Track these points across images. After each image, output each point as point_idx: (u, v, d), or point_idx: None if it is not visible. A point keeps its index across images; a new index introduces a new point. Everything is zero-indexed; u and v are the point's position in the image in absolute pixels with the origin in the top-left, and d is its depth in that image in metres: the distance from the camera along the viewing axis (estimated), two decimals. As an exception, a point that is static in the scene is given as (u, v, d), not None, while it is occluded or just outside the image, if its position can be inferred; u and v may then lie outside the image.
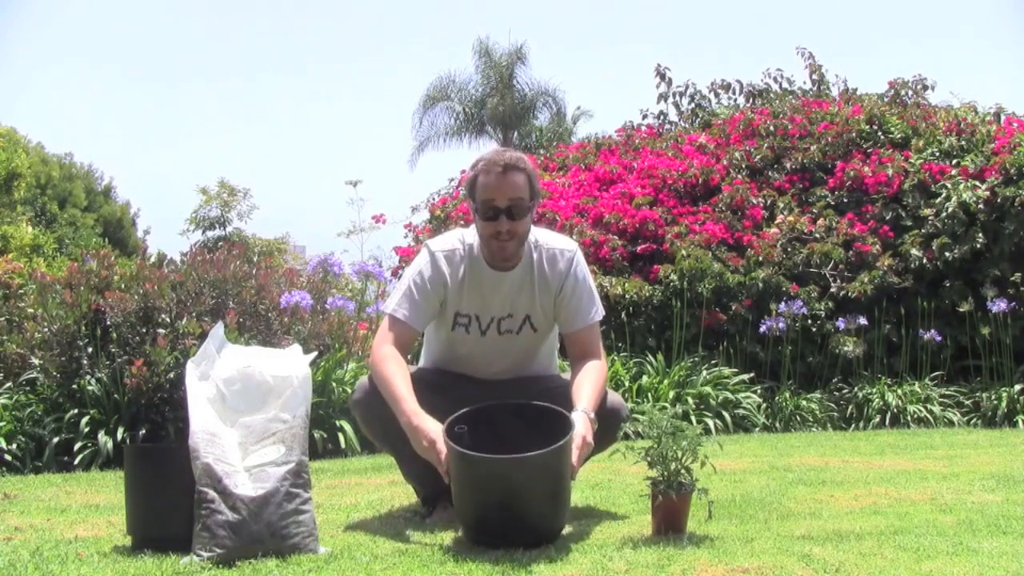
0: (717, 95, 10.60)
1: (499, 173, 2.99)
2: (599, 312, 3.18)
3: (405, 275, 3.15)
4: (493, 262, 3.08)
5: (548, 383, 3.20)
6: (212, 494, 2.52)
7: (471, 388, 3.12)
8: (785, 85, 10.50)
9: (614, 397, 3.15)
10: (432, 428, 2.76)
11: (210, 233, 19.21)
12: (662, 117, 10.83)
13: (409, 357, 3.09)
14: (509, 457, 2.65)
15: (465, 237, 3.16)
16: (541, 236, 3.17)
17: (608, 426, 3.02)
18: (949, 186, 7.46)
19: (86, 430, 5.04)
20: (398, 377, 2.90)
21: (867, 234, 7.47)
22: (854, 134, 8.27)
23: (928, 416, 6.71)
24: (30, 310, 5.59)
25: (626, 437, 3.07)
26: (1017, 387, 6.88)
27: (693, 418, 6.04)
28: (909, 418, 6.69)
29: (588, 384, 2.98)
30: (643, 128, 10.47)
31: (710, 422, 6.16)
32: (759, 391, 6.78)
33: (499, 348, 3.15)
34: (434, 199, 10.36)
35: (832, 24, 53.43)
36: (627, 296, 7.03)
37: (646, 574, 2.33)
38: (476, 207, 3.04)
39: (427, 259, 3.10)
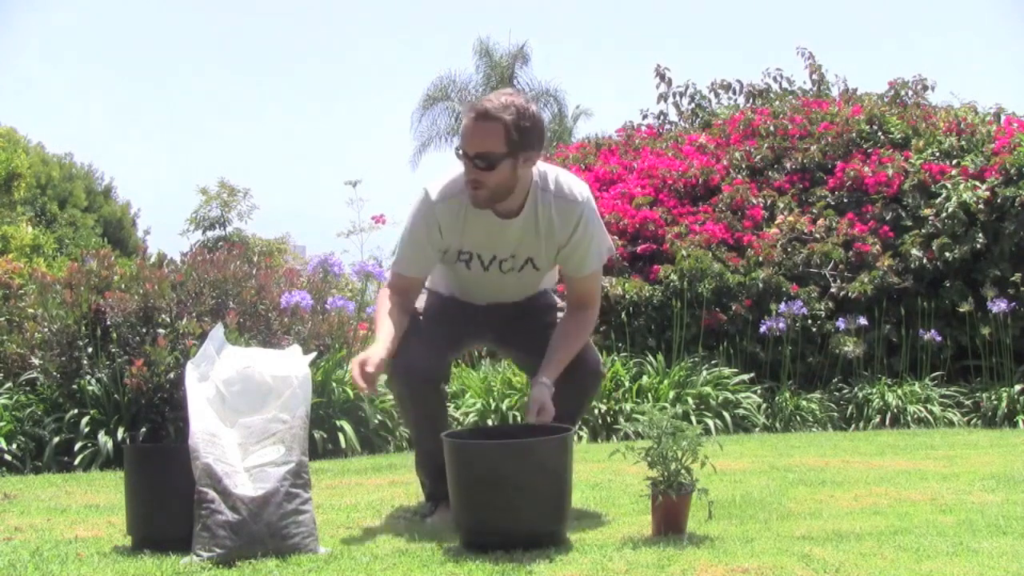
0: (717, 95, 10.59)
1: (472, 120, 2.90)
2: (604, 256, 3.17)
3: (405, 224, 3.11)
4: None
5: (543, 303, 3.35)
6: (212, 494, 2.53)
7: (470, 315, 3.27)
8: (785, 85, 10.49)
9: (590, 354, 3.20)
10: (372, 351, 2.88)
11: (210, 233, 19.18)
12: (662, 117, 10.82)
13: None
14: (499, 443, 2.68)
15: None
16: (554, 179, 3.05)
17: (585, 384, 3.17)
18: (949, 186, 7.46)
19: (86, 430, 5.04)
20: (383, 322, 3.01)
21: (867, 234, 7.46)
22: (854, 134, 8.26)
23: (928, 416, 6.71)
24: (30, 310, 5.59)
25: (626, 437, 3.07)
26: (1017, 387, 6.88)
27: (693, 418, 6.03)
28: (909, 418, 6.69)
29: (561, 350, 3.08)
30: (643, 128, 10.45)
31: (710, 422, 6.15)
32: (759, 391, 6.78)
33: (500, 281, 3.19)
34: (434, 199, 10.33)
35: (832, 24, 53.44)
36: (627, 296, 7.03)
37: (646, 574, 2.34)
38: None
39: (423, 211, 3.04)
